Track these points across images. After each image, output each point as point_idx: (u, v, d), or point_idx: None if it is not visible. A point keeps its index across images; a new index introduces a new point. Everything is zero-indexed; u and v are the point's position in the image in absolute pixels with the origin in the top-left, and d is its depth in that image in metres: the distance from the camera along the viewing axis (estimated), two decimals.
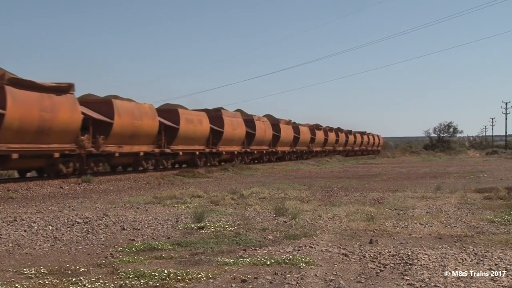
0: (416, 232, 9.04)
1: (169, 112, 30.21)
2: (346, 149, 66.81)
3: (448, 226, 9.60)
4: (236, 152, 37.31)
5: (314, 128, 55.68)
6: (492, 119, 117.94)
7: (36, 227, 9.51)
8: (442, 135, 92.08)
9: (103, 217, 10.77)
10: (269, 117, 45.52)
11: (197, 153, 32.34)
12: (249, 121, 39.64)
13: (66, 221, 10.20)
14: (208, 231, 9.23)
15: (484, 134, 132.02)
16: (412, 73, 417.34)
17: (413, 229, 9.35)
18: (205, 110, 34.48)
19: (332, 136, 61.15)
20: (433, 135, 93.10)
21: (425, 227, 9.55)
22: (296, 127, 50.20)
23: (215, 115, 34.70)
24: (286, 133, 46.72)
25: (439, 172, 29.00)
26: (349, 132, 69.59)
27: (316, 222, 10.11)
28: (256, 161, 42.44)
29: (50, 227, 9.53)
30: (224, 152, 35.19)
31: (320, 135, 56.93)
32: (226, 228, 9.53)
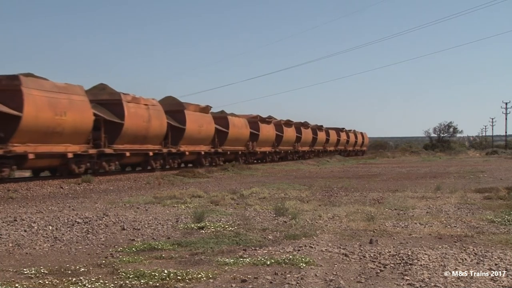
0: (416, 232, 9.04)
1: None
2: (315, 149, 54.30)
3: (448, 226, 9.60)
4: (72, 156, 21.79)
5: (257, 121, 41.51)
6: (492, 119, 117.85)
7: (36, 227, 9.51)
8: (442, 135, 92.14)
9: (103, 217, 10.77)
10: (168, 100, 30.94)
11: None
12: (113, 104, 24.63)
13: (66, 221, 10.20)
14: (208, 231, 9.23)
15: (484, 134, 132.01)
16: (412, 73, 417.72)
17: (413, 229, 9.34)
18: None
19: (290, 132, 46.87)
20: (433, 135, 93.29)
21: (425, 227, 9.55)
22: (222, 118, 35.92)
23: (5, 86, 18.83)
24: (199, 125, 31.79)
25: (439, 172, 29.00)
26: (319, 128, 56.49)
27: (316, 222, 10.10)
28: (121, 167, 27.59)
29: (50, 227, 9.53)
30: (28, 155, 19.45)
31: (268, 130, 42.93)
32: (226, 228, 9.53)
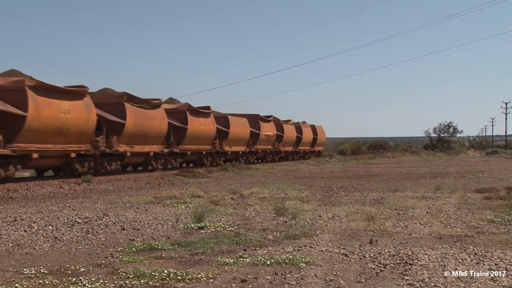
0: (416, 232, 9.04)
1: None
2: (194, 150, 32.14)
3: (448, 226, 9.60)
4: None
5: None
6: (492, 119, 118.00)
7: (36, 227, 9.51)
8: (442, 135, 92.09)
9: (103, 217, 10.78)
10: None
11: None
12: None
13: (66, 221, 10.21)
14: (208, 231, 9.23)
15: (484, 134, 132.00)
16: (412, 73, 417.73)
17: (413, 229, 9.34)
18: None
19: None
20: (433, 135, 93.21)
21: (425, 227, 9.55)
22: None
23: None
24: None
25: (439, 172, 29.00)
26: (202, 110, 33.00)
27: (316, 222, 10.10)
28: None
29: (50, 227, 9.53)
30: None
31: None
32: (226, 228, 9.53)
